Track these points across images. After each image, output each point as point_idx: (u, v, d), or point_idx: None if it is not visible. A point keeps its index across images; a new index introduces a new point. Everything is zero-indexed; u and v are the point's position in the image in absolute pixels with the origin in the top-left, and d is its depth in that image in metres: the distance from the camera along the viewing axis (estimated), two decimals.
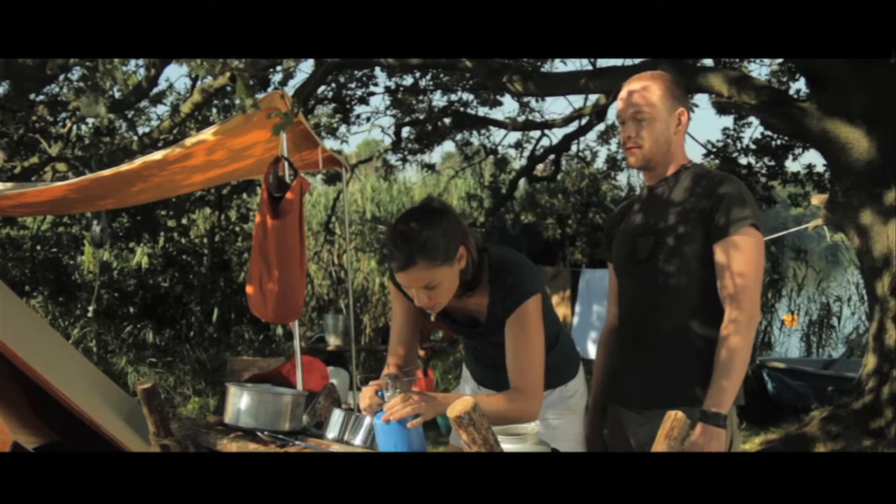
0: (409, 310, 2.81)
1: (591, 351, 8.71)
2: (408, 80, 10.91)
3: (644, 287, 2.72)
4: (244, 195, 12.55)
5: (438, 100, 11.50)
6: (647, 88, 2.66)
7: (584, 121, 11.31)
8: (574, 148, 12.51)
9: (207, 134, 4.41)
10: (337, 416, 2.68)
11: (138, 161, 4.61)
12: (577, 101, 11.13)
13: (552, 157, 12.32)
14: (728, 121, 11.45)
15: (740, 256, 2.56)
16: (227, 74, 6.62)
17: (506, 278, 2.61)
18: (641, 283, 2.73)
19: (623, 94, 2.72)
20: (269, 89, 9.33)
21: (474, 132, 12.36)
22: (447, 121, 11.76)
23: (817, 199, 6.99)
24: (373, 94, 10.96)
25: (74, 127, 9.88)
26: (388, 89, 11.04)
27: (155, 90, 9.25)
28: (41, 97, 9.06)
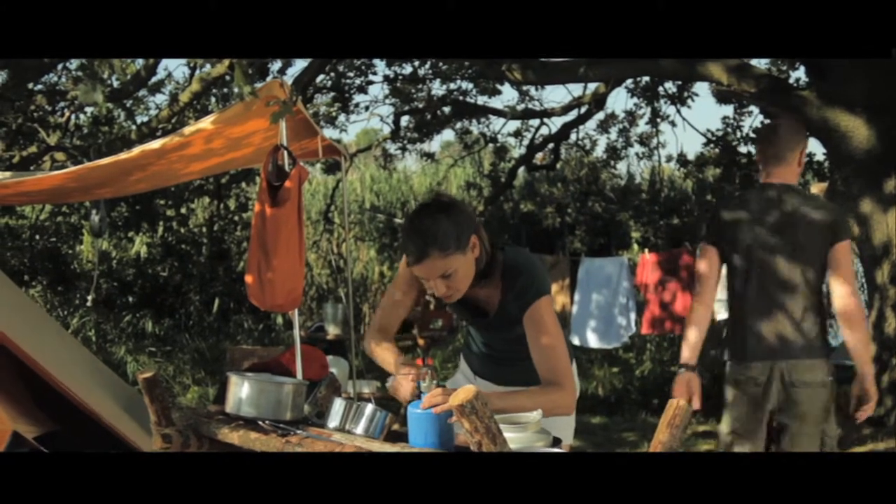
0: (410, 298, 2.91)
1: (591, 339, 8.67)
2: (407, 69, 10.88)
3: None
4: (243, 184, 12.53)
5: (437, 89, 11.44)
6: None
7: (583, 109, 11.30)
8: (573, 136, 12.50)
9: (206, 122, 4.39)
10: (338, 405, 2.68)
11: (136, 150, 4.58)
12: (576, 89, 11.20)
13: (551, 145, 12.30)
14: (728, 109, 11.48)
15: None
16: (226, 63, 6.61)
17: (520, 277, 2.68)
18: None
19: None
20: (268, 78, 9.29)
21: (473, 121, 12.33)
22: (446, 109, 11.72)
23: (817, 188, 7.00)
24: (371, 83, 10.92)
25: (73, 116, 9.85)
26: (386, 78, 11.00)
27: (153, 79, 9.23)
28: (39, 86, 9.03)
